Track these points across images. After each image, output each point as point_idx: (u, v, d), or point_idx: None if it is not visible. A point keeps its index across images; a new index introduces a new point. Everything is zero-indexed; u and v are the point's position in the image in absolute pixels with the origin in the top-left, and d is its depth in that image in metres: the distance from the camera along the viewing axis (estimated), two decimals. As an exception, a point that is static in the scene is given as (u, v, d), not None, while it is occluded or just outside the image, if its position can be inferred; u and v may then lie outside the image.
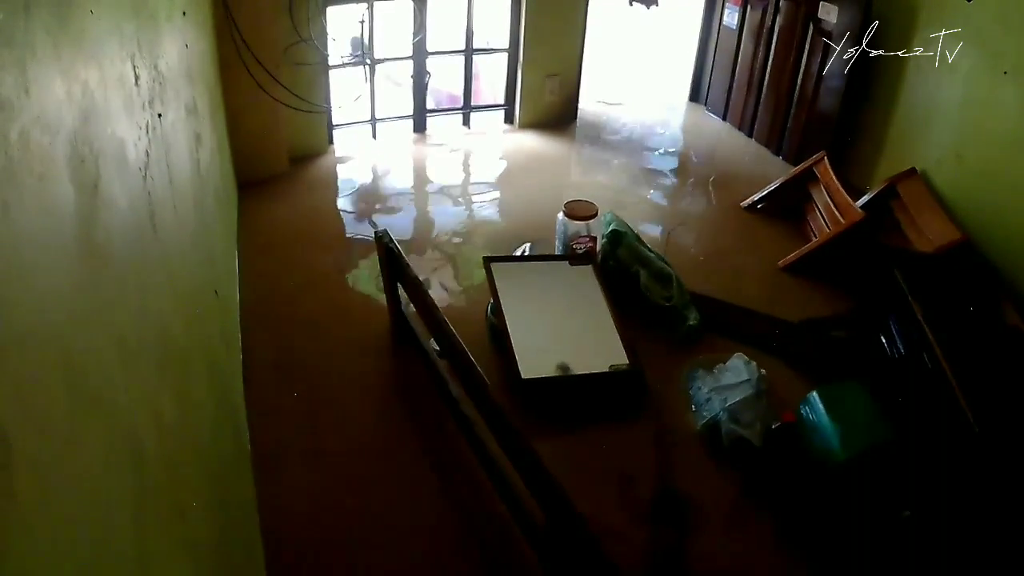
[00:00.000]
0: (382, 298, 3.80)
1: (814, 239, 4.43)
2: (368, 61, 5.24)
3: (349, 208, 4.93)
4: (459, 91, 5.99)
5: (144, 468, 1.30)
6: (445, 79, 6.02)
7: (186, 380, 1.91)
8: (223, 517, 2.06)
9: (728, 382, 3.28)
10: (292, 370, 3.45)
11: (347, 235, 4.66)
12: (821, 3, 5.01)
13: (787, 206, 4.86)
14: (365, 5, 5.08)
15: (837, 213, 4.31)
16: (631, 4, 6.30)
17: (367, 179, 5.29)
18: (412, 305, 3.37)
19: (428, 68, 5.58)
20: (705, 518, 2.86)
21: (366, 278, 4.15)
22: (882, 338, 3.49)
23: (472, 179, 5.53)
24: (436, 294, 3.92)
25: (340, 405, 3.30)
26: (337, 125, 5.53)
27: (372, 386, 3.45)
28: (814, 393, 2.85)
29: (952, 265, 3.77)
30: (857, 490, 2.61)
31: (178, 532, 1.48)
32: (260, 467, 2.90)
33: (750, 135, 5.95)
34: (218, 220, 3.50)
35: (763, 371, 3.35)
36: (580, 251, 4.03)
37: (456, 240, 4.64)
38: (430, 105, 5.93)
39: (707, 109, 6.47)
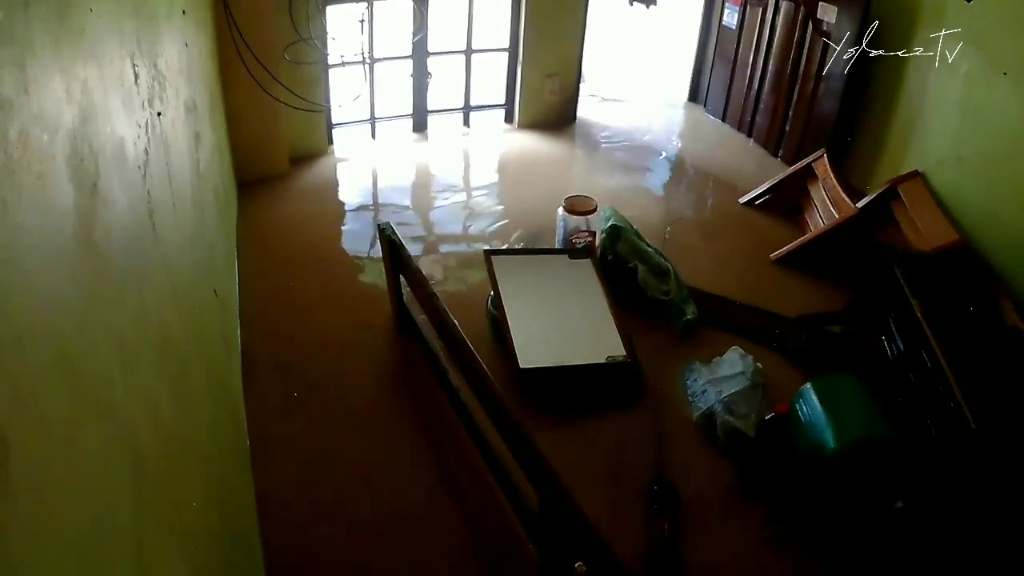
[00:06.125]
0: (383, 295, 3.81)
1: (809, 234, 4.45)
2: (368, 60, 5.24)
3: (349, 207, 4.93)
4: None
5: (143, 467, 1.30)
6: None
7: (185, 379, 1.91)
8: (222, 516, 2.06)
9: (724, 374, 3.31)
10: (292, 367, 3.46)
11: (347, 233, 4.65)
12: (821, 3, 5.01)
13: (786, 203, 4.88)
14: (365, 4, 5.07)
15: (832, 209, 4.32)
16: (631, 4, 6.30)
17: (367, 178, 5.29)
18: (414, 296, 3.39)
19: (429, 68, 5.58)
20: (700, 507, 2.88)
21: (367, 275, 4.16)
22: (882, 336, 3.50)
23: (472, 177, 5.53)
24: (437, 287, 3.92)
25: (341, 400, 3.31)
26: (336, 125, 5.52)
27: (372, 380, 3.46)
28: (808, 385, 2.87)
29: (951, 264, 3.78)
30: (849, 480, 2.62)
31: (177, 531, 1.48)
32: (259, 465, 2.90)
33: (749, 136, 5.94)
34: (218, 219, 3.50)
35: (759, 364, 3.38)
36: (579, 245, 4.06)
37: (457, 235, 4.66)
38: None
39: (706, 109, 6.47)
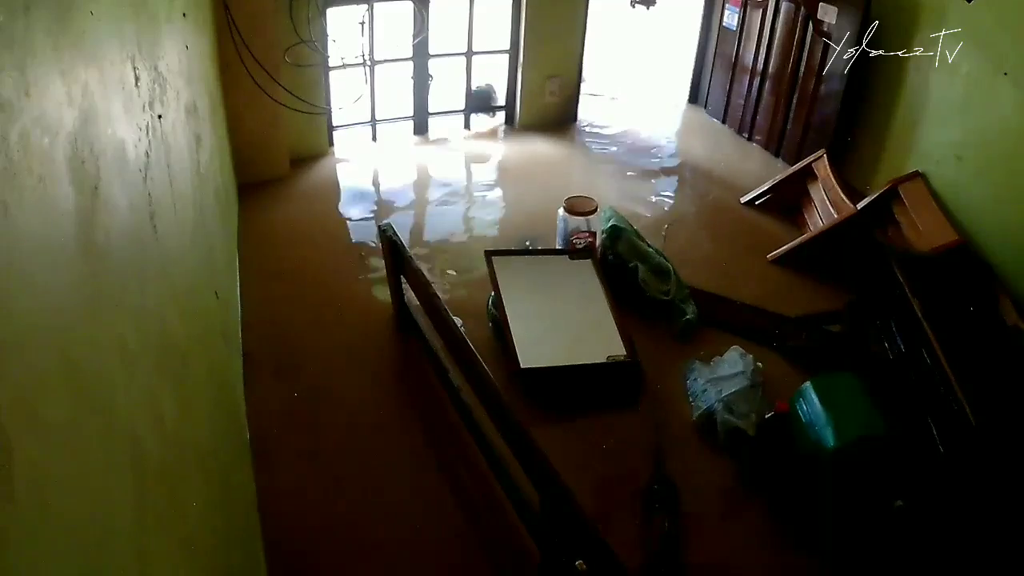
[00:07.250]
0: (384, 297, 3.82)
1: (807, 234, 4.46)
2: (368, 62, 5.24)
3: (350, 209, 4.94)
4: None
5: (144, 469, 1.30)
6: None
7: (186, 381, 1.92)
8: (224, 517, 2.07)
9: (724, 374, 3.31)
10: (293, 367, 3.47)
11: (348, 235, 4.66)
12: (821, 3, 5.01)
13: (786, 203, 4.89)
14: (365, 6, 5.08)
15: (831, 209, 4.32)
16: (633, 6, 6.30)
17: (368, 180, 5.30)
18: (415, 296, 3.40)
19: (430, 71, 5.59)
20: (700, 506, 2.89)
21: (367, 275, 4.16)
22: (882, 335, 3.50)
23: (473, 179, 5.54)
24: (438, 287, 3.93)
25: (342, 401, 3.32)
26: (337, 127, 5.53)
27: (373, 380, 3.46)
28: (808, 384, 2.87)
29: (951, 264, 3.78)
30: (849, 479, 2.62)
31: (178, 533, 1.48)
32: (260, 467, 2.90)
33: (750, 137, 5.94)
34: (219, 221, 3.50)
35: (759, 363, 3.38)
36: (580, 246, 4.07)
37: (458, 237, 4.66)
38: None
39: (706, 111, 6.47)
